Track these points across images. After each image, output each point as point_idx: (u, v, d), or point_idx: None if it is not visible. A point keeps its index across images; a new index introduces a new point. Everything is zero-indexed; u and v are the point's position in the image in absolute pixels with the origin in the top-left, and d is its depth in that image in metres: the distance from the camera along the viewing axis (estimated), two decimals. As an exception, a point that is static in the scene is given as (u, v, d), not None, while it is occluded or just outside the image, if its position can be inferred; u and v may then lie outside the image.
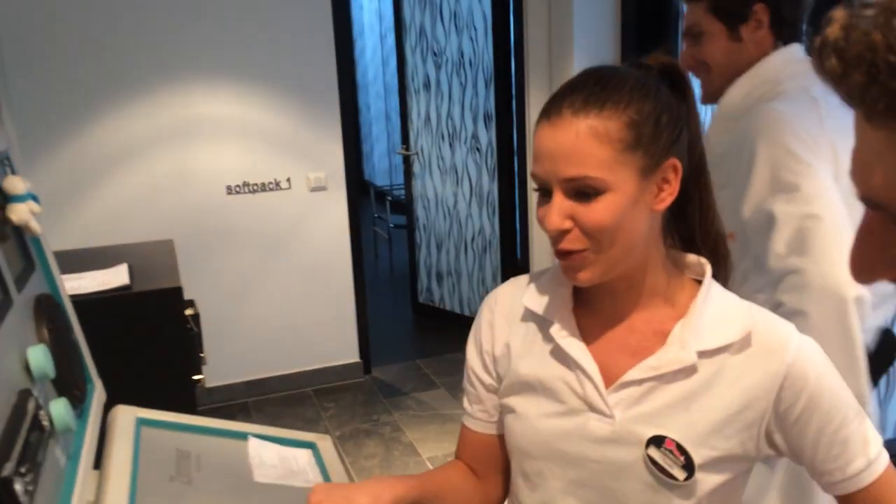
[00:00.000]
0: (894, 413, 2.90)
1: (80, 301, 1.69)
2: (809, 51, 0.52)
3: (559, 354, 0.97)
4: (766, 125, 1.45)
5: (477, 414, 1.10)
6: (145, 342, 1.96)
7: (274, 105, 3.75)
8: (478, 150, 4.41)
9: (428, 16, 4.48)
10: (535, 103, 4.15)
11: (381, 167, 8.01)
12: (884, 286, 1.57)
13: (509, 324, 1.05)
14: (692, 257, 0.99)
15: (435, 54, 4.49)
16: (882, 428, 2.00)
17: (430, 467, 3.29)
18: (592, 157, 0.87)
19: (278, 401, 3.96)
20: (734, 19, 1.51)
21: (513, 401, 1.02)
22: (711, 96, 1.63)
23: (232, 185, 3.76)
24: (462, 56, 4.36)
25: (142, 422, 1.16)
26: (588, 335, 0.98)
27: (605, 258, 0.90)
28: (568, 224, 0.89)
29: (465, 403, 1.12)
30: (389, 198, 6.52)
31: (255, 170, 3.78)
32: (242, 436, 1.24)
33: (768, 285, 1.45)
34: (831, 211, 1.38)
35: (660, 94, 0.91)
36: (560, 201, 0.89)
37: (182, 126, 3.62)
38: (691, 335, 0.92)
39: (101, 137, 3.51)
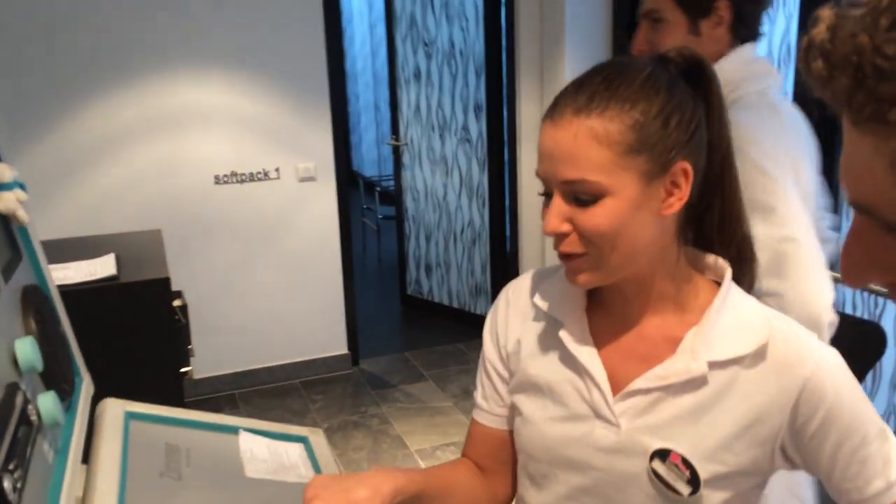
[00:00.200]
0: (881, 408, 2.92)
1: (66, 292, 1.65)
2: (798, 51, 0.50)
3: (568, 358, 0.94)
4: (732, 140, 1.45)
5: (491, 408, 1.06)
6: (132, 334, 1.93)
7: (263, 94, 3.71)
8: (468, 141, 4.39)
9: (419, 5, 4.44)
10: (526, 94, 4.13)
11: (370, 158, 7.98)
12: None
13: (523, 320, 1.02)
14: (712, 258, 0.95)
15: (426, 44, 4.46)
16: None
17: (419, 460, 3.28)
18: (590, 160, 0.83)
19: (266, 393, 3.94)
20: (696, 12, 1.48)
21: (520, 400, 1.00)
22: None
23: (220, 175, 3.72)
24: (453, 46, 4.34)
25: (130, 415, 1.14)
26: (599, 338, 0.95)
27: (606, 264, 0.87)
28: (566, 227, 0.86)
29: (478, 398, 1.08)
30: (378, 188, 6.49)
31: (244, 159, 3.75)
32: (233, 430, 1.22)
33: None
34: (808, 233, 1.39)
35: (673, 92, 0.86)
36: (559, 204, 0.86)
37: (169, 114, 3.58)
38: (703, 344, 0.88)
39: (86, 125, 3.47)
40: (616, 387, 0.91)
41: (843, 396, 0.86)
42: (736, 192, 0.94)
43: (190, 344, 2.16)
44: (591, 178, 0.83)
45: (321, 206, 3.94)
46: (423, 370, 4.14)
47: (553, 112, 0.86)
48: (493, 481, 1.07)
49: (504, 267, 4.44)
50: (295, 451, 1.23)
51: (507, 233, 4.43)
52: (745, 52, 1.53)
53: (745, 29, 1.52)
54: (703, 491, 0.87)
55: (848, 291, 2.94)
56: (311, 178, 3.88)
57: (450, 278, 4.71)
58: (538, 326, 1.00)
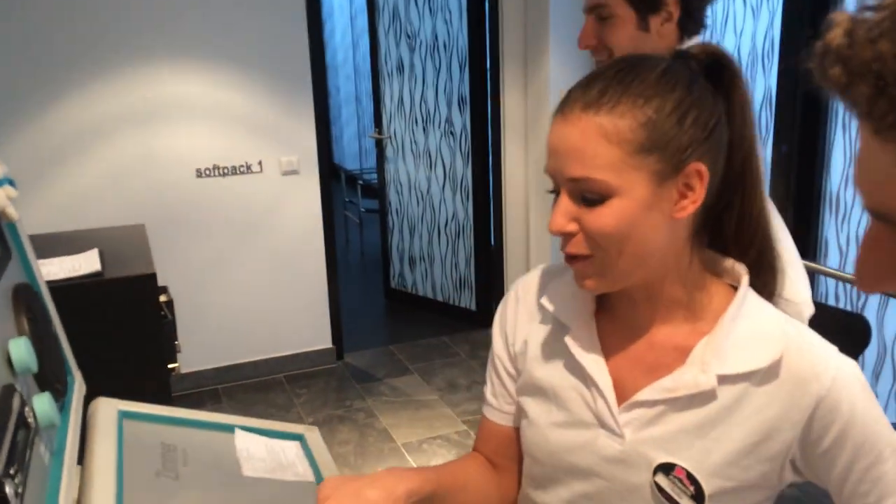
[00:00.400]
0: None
1: (50, 288, 1.63)
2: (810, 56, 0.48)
3: (574, 365, 0.92)
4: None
5: (500, 406, 1.04)
6: (118, 330, 1.90)
7: (245, 86, 3.67)
8: (452, 134, 4.38)
9: (401, -3, 4.41)
10: (510, 87, 4.12)
11: (351, 151, 7.94)
12: None
13: (530, 319, 1.00)
14: (730, 262, 0.90)
15: (408, 37, 4.43)
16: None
17: (405, 453, 3.27)
18: (598, 158, 0.79)
19: (249, 387, 3.91)
20: (645, 8, 1.46)
21: (526, 403, 0.98)
22: None
23: (201, 169, 3.67)
24: (436, 39, 4.31)
25: (124, 414, 1.11)
26: (607, 344, 0.92)
27: (613, 268, 0.84)
28: (572, 227, 0.83)
29: (488, 395, 1.06)
30: (360, 182, 6.46)
31: (226, 153, 3.71)
32: (228, 428, 1.20)
33: None
34: (783, 229, 1.39)
35: (691, 90, 0.82)
36: (565, 202, 0.83)
37: (149, 107, 3.52)
38: (714, 356, 0.84)
39: (65, 118, 3.41)
40: (622, 395, 0.89)
41: (859, 413, 0.82)
42: (758, 192, 0.89)
43: (176, 339, 2.13)
44: (597, 177, 0.80)
45: (304, 199, 3.91)
46: (408, 363, 4.13)
47: (563, 106, 0.83)
48: (504, 477, 1.06)
49: (488, 260, 4.44)
50: (292, 449, 1.22)
51: (492, 226, 4.43)
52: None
53: (693, 24, 1.51)
54: None
55: (831, 283, 2.97)
56: (294, 172, 3.85)
57: (434, 271, 4.70)
58: (545, 328, 0.98)
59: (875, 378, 2.94)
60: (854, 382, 0.83)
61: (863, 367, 2.97)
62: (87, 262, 1.99)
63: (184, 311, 3.35)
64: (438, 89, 4.38)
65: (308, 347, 4.09)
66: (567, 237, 0.84)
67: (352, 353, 4.25)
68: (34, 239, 2.23)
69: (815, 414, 0.82)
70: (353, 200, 6.45)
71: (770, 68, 3.13)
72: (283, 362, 4.04)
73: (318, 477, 1.14)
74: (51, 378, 0.93)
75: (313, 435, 1.28)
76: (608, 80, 0.82)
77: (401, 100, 4.57)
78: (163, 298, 2.06)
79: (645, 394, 0.87)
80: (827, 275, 2.87)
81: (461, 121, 4.31)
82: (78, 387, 1.09)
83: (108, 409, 1.11)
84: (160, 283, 2.10)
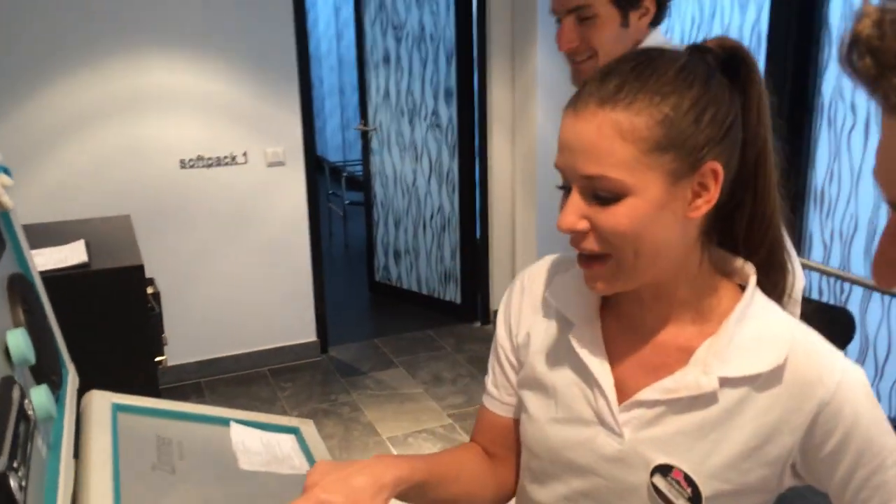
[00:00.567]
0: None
1: (38, 279, 1.60)
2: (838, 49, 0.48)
3: (577, 362, 0.91)
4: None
5: (501, 396, 1.03)
6: (106, 322, 1.88)
7: (230, 76, 3.63)
8: (438, 126, 4.36)
9: (388, -12, 4.39)
10: (497, 80, 4.12)
11: (334, 143, 7.89)
12: None
13: (534, 312, 0.99)
14: (739, 262, 0.89)
15: (395, 28, 4.41)
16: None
17: (391, 447, 3.27)
18: (613, 156, 0.77)
19: (233, 381, 3.88)
20: (627, 4, 1.46)
21: (527, 397, 0.97)
22: None
23: (185, 159, 3.63)
24: (423, 30, 4.29)
25: (118, 407, 1.10)
26: (610, 342, 0.91)
27: (627, 269, 0.82)
28: (583, 225, 0.81)
29: (489, 385, 1.05)
30: (345, 174, 6.42)
31: (210, 143, 3.67)
32: (223, 421, 1.19)
33: None
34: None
35: (708, 86, 0.80)
36: (577, 200, 0.81)
37: (133, 96, 3.48)
38: (716, 358, 0.83)
39: (47, 106, 3.35)
40: (624, 394, 0.88)
41: (862, 420, 0.81)
42: (770, 192, 0.87)
43: (163, 332, 2.11)
44: (612, 176, 0.78)
45: (290, 191, 3.88)
46: (393, 357, 4.12)
47: (577, 101, 0.81)
48: (501, 468, 1.05)
49: (473, 253, 4.44)
50: (287, 442, 1.20)
51: (477, 219, 4.42)
52: (658, 35, 1.53)
53: (661, 15, 1.52)
54: None
55: (815, 276, 3.00)
56: (279, 163, 3.81)
57: (419, 265, 4.69)
58: (549, 323, 0.96)
59: (857, 371, 2.97)
60: (859, 389, 0.82)
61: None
62: (73, 254, 1.96)
63: (167, 304, 3.31)
64: (425, 81, 4.36)
65: (292, 341, 4.07)
66: (578, 235, 0.82)
67: (336, 346, 4.23)
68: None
69: (817, 419, 0.81)
70: (336, 193, 6.42)
71: (758, 62, 3.14)
72: (267, 355, 4.01)
73: (315, 470, 1.13)
74: (46, 370, 0.91)
75: (308, 428, 1.27)
76: (625, 74, 0.80)
77: (387, 91, 4.55)
78: (150, 290, 2.03)
79: (646, 394, 0.86)
80: (812, 269, 2.90)
81: (448, 113, 4.30)
82: (71, 379, 1.07)
83: (101, 402, 1.09)
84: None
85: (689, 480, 0.83)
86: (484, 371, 1.20)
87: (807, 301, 1.44)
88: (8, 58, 3.24)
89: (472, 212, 4.39)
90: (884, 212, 2.79)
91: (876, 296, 2.86)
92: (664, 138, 0.78)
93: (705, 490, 0.83)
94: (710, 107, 0.80)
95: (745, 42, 3.18)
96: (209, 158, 3.67)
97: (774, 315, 0.87)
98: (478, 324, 4.48)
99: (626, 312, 0.91)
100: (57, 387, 0.94)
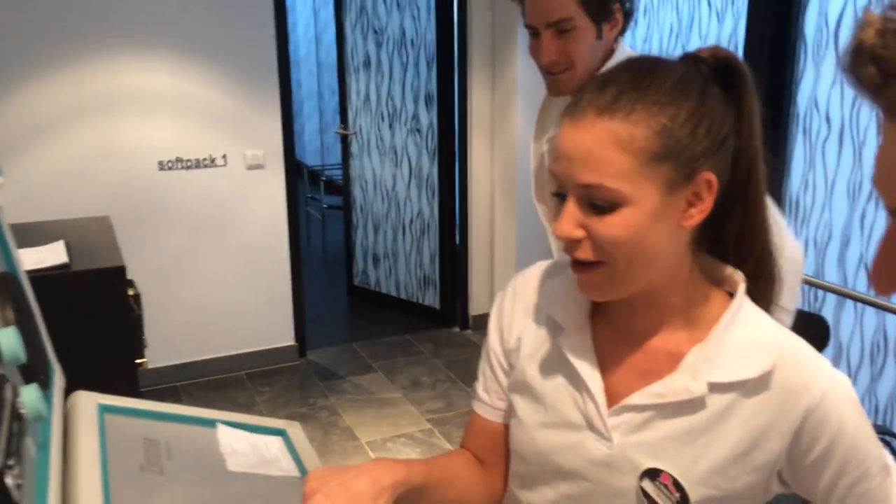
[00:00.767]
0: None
1: (18, 279, 1.59)
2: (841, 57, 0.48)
3: (567, 367, 0.91)
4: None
5: (491, 401, 1.03)
6: (86, 323, 1.86)
7: (209, 78, 3.61)
8: (418, 131, 4.37)
9: (369, -7, 4.39)
10: (477, 85, 4.13)
11: (312, 147, 7.87)
12: None
13: (525, 316, 0.99)
14: (729, 269, 0.90)
15: (376, 32, 4.41)
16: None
17: (369, 451, 3.26)
18: (610, 166, 0.78)
19: (209, 385, 3.85)
20: (601, 17, 1.51)
21: (516, 401, 0.98)
22: (564, 93, 1.58)
23: (164, 161, 3.61)
24: (404, 35, 4.30)
25: (104, 408, 1.09)
26: (600, 347, 0.91)
27: (621, 277, 0.83)
28: (579, 233, 0.82)
29: (479, 390, 1.05)
30: (323, 178, 6.41)
31: (189, 145, 3.64)
32: (210, 423, 1.18)
33: None
34: (785, 229, 1.42)
35: (705, 97, 0.81)
36: (573, 208, 0.81)
37: (111, 96, 3.45)
38: (705, 363, 0.84)
39: (25, 106, 3.31)
40: (613, 399, 0.88)
41: (848, 429, 0.82)
42: (759, 202, 0.88)
43: (143, 334, 2.09)
44: (610, 185, 0.79)
45: (269, 194, 3.87)
46: (372, 361, 4.11)
47: (574, 110, 0.81)
48: (492, 474, 1.05)
49: (453, 258, 4.44)
50: (275, 444, 1.20)
51: (457, 224, 4.43)
52: (625, 49, 1.58)
53: (626, 27, 1.57)
54: None
55: (790, 284, 3.04)
56: (259, 166, 3.80)
57: (398, 269, 4.69)
58: (539, 327, 0.97)
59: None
60: (845, 397, 0.83)
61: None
62: (52, 254, 1.94)
63: (144, 306, 3.28)
64: (405, 86, 4.37)
65: (270, 344, 4.04)
66: (573, 243, 0.83)
67: (315, 350, 4.21)
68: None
69: (803, 426, 0.82)
70: (315, 196, 6.40)
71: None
72: (244, 359, 3.99)
73: (303, 471, 1.13)
74: (35, 369, 0.90)
75: (295, 430, 1.26)
76: (622, 84, 0.80)
77: (367, 96, 4.55)
78: (130, 292, 2.02)
79: (634, 398, 0.86)
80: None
81: (428, 118, 4.31)
82: (58, 379, 1.06)
83: (87, 402, 1.08)
84: (125, 276, 2.06)
85: (678, 485, 0.84)
86: (463, 376, 1.20)
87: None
88: (-16, 56, 3.20)
89: (452, 217, 4.40)
90: (856, 221, 2.85)
91: (849, 303, 2.90)
92: (661, 149, 0.79)
93: (693, 495, 0.84)
94: (706, 118, 0.80)
95: (723, 52, 3.23)
96: (188, 160, 3.65)
97: (762, 322, 0.87)
98: (456, 329, 4.49)
99: (616, 318, 0.92)
100: (45, 386, 0.93)
